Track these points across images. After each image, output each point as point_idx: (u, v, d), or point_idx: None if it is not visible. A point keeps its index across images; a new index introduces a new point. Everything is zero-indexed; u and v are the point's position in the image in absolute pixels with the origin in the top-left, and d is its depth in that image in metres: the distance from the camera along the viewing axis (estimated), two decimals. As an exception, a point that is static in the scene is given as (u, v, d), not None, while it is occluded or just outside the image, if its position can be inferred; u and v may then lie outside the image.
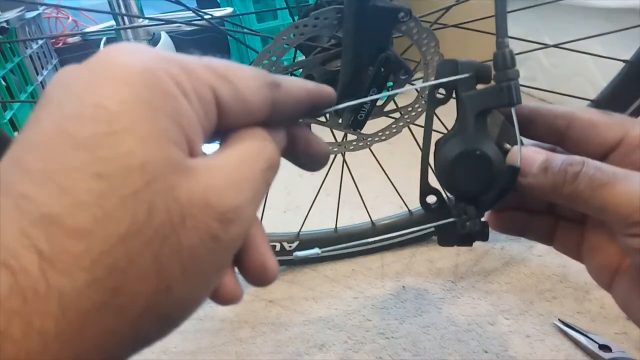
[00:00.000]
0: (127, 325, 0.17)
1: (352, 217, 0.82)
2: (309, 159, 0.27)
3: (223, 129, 0.21)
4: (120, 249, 0.16)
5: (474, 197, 0.29)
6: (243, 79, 0.21)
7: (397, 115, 0.58)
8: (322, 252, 0.31)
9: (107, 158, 0.16)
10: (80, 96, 0.17)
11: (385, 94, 0.29)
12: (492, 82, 0.28)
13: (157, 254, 0.17)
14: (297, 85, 0.24)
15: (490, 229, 0.30)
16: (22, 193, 0.16)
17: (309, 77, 0.52)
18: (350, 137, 0.59)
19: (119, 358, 0.17)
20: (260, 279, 0.22)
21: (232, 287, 0.21)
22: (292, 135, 0.25)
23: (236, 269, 0.22)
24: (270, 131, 0.22)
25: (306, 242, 0.77)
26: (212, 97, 0.20)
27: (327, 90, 0.25)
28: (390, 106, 0.58)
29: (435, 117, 0.31)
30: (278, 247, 0.76)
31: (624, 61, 0.61)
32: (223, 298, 0.21)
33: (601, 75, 1.04)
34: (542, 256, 0.73)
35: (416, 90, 0.57)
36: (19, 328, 0.14)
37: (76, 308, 0.15)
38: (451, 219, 0.30)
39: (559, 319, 0.60)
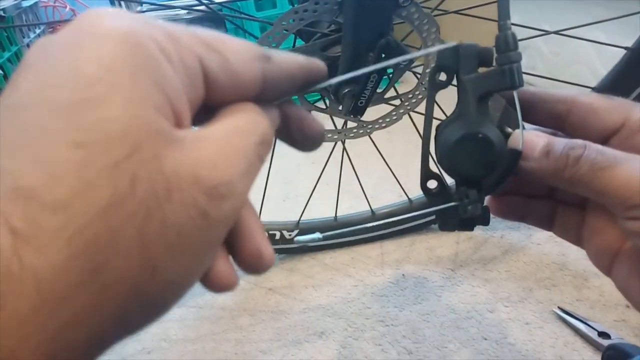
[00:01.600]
0: (109, 308, 0.15)
1: (352, 206, 0.82)
2: (304, 138, 0.25)
3: (212, 104, 0.20)
4: (101, 222, 0.15)
5: (476, 181, 0.29)
6: (233, 51, 0.19)
7: (397, 102, 0.58)
8: (323, 237, 0.30)
9: (87, 125, 0.15)
10: (57, 61, 0.16)
11: (383, 64, 0.29)
12: (494, 65, 0.28)
13: (141, 230, 0.15)
14: (289, 59, 0.22)
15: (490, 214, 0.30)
16: None
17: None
18: (350, 124, 0.59)
19: (101, 345, 0.16)
20: (255, 266, 0.21)
21: (227, 273, 0.20)
22: (285, 113, 0.24)
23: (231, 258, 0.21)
24: (262, 107, 0.21)
25: (306, 230, 0.77)
26: (199, 67, 0.18)
27: (319, 64, 0.24)
28: (391, 93, 0.57)
29: (435, 105, 0.31)
30: (278, 236, 0.76)
31: (625, 48, 0.61)
32: (217, 284, 0.20)
33: (602, 62, 1.03)
34: (541, 244, 0.73)
35: (416, 74, 0.57)
36: None
37: (53, 287, 0.14)
38: (453, 203, 0.30)
39: (558, 307, 0.61)
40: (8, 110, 0.16)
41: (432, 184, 0.31)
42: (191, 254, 0.17)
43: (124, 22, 0.17)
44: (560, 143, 0.26)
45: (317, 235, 0.30)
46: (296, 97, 0.25)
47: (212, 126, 0.19)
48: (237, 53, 0.20)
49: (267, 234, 0.70)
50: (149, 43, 0.17)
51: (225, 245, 0.21)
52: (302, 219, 0.77)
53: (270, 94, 0.22)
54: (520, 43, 0.29)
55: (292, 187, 1.01)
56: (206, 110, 0.20)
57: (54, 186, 0.14)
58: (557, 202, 0.31)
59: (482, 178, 0.28)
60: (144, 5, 1.12)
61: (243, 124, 0.20)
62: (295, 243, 0.30)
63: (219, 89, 0.19)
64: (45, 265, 0.14)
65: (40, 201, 0.14)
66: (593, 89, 0.65)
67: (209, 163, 0.17)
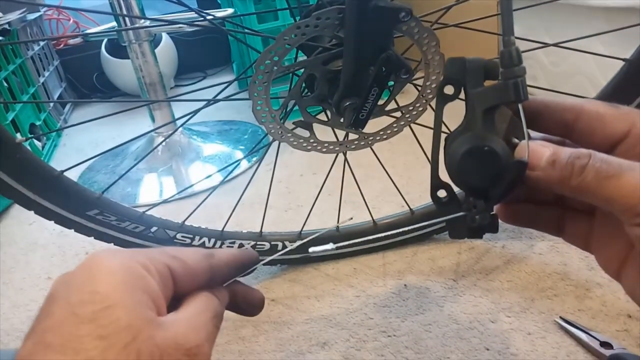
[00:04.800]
0: None
1: (354, 216, 0.82)
2: (249, 306, 0.36)
3: (179, 294, 0.30)
4: None
5: (484, 191, 0.29)
6: (188, 255, 0.31)
7: (398, 114, 0.59)
8: (336, 247, 0.32)
9: (105, 324, 0.24)
10: (79, 288, 0.25)
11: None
12: (500, 79, 0.29)
13: None
14: (226, 253, 0.34)
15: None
16: None
17: (310, 76, 0.52)
18: (352, 136, 0.60)
19: None
20: None
21: None
22: (233, 291, 0.35)
23: None
24: (214, 291, 0.32)
25: (308, 241, 0.77)
26: (168, 272, 0.29)
27: (250, 252, 0.36)
28: (392, 105, 0.58)
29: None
30: (280, 246, 0.76)
31: (623, 60, 0.61)
32: None
33: (601, 73, 1.04)
34: (542, 254, 0.73)
35: (417, 86, 0.57)
36: None
37: None
38: (461, 213, 0.30)
39: (560, 317, 0.61)
40: (49, 327, 0.24)
41: (441, 193, 0.32)
42: None
43: (119, 257, 0.27)
44: (566, 152, 0.27)
45: (330, 245, 0.33)
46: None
47: (181, 310, 0.29)
48: (191, 256, 0.31)
49: (270, 244, 0.69)
50: (137, 267, 0.27)
51: None
52: (304, 229, 0.78)
53: (217, 280, 0.33)
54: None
55: (294, 197, 1.02)
56: (175, 297, 0.30)
57: None
58: (566, 209, 0.32)
59: (490, 188, 0.29)
60: (147, 20, 1.13)
61: (200, 306, 0.30)
62: (309, 253, 0.34)
63: (183, 282, 0.30)
64: None
65: None
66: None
67: (184, 334, 0.27)
